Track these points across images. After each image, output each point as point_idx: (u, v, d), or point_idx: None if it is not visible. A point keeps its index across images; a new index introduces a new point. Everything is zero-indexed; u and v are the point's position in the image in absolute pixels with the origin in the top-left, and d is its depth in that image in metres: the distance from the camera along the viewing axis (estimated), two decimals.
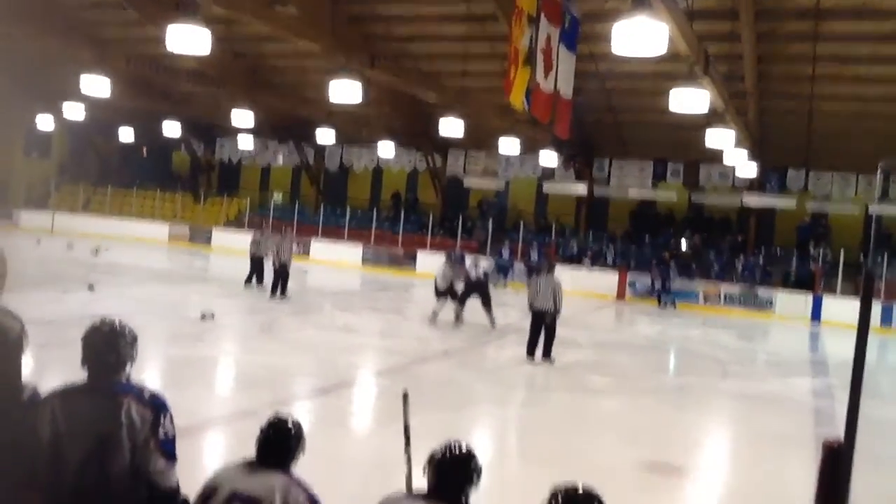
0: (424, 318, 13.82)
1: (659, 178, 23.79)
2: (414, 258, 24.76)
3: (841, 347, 13.62)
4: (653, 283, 21.51)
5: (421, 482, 2.62)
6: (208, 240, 28.00)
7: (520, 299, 17.55)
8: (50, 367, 6.26)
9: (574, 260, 23.05)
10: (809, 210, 22.68)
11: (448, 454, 2.58)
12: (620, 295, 21.90)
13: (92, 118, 25.07)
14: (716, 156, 19.03)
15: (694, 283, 21.70)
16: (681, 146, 21.39)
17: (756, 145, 19.66)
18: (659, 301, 21.07)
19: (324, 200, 28.56)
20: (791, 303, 20.47)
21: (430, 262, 22.03)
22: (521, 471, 6.29)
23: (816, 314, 19.97)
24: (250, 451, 2.73)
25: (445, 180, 26.96)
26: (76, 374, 2.69)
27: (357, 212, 27.26)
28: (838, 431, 2.78)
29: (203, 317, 11.66)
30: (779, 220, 23.68)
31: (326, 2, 16.36)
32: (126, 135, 29.23)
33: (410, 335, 12.86)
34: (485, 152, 25.37)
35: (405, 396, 3.23)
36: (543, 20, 11.30)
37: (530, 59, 11.36)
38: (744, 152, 18.54)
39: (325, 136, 23.83)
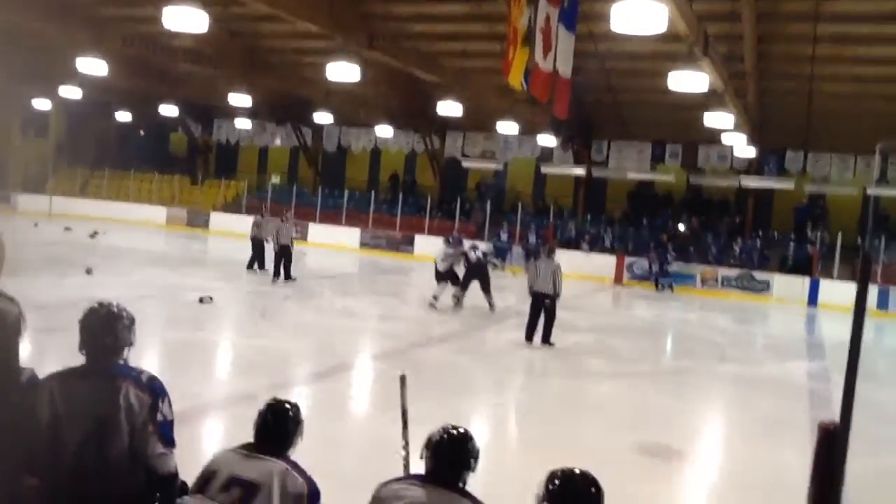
0: (423, 301, 13.84)
1: (657, 159, 23.75)
2: (412, 241, 24.75)
3: (838, 330, 13.65)
4: (650, 267, 21.53)
5: (419, 466, 2.63)
6: (206, 223, 27.95)
7: (518, 282, 17.55)
8: (48, 351, 6.27)
9: (572, 243, 23.04)
10: (807, 192, 22.67)
11: (445, 438, 2.58)
12: (618, 278, 21.92)
13: (89, 99, 24.92)
14: (714, 137, 18.98)
15: (691, 267, 21.72)
16: (680, 127, 21.31)
17: (755, 126, 19.60)
18: (656, 284, 21.10)
19: (322, 182, 28.48)
20: (788, 286, 20.52)
21: (429, 246, 22.04)
22: (519, 455, 6.33)
23: (813, 297, 20.02)
24: (249, 435, 2.74)
25: (444, 162, 26.88)
26: (75, 357, 2.69)
27: (355, 193, 27.20)
28: (835, 414, 2.79)
29: (201, 300, 11.67)
30: (777, 202, 23.67)
31: None
32: (123, 116, 29.10)
33: (409, 319, 12.88)
34: (483, 134, 25.28)
35: (402, 379, 3.24)
36: (542, 0, 11.21)
37: (529, 39, 11.28)
38: (742, 134, 18.50)
39: (323, 116, 23.73)
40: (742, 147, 20.17)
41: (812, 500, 2.70)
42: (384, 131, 24.90)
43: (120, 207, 28.39)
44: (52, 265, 14.77)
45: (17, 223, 22.43)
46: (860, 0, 15.35)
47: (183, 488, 2.65)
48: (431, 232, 24.00)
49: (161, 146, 32.92)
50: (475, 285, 13.61)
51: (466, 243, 14.35)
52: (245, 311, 12.43)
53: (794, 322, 17.65)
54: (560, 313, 10.92)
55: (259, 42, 22.53)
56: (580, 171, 24.57)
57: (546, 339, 10.62)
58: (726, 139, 18.82)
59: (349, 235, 25.51)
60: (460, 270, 13.82)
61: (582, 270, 21.29)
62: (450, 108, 17.89)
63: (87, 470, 2.50)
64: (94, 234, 21.07)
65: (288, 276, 15.31)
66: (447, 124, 24.83)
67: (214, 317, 11.20)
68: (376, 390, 8.11)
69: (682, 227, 23.60)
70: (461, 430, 2.63)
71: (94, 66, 16.53)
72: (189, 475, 2.67)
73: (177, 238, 25.03)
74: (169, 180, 30.53)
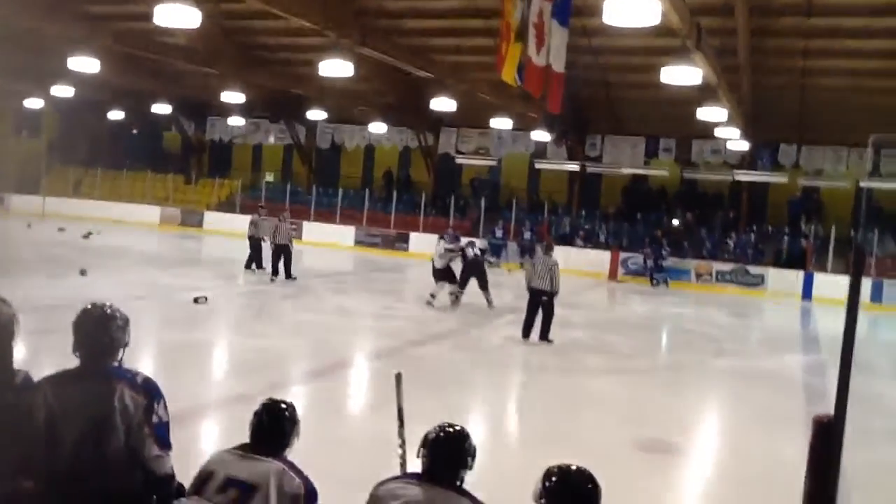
0: (419, 299, 13.83)
1: (651, 154, 23.75)
2: (407, 239, 24.74)
3: (832, 324, 13.70)
4: (645, 262, 21.56)
5: (416, 464, 2.63)
6: (200, 222, 27.87)
7: (513, 279, 17.58)
8: (43, 353, 6.24)
9: (567, 239, 23.06)
10: (801, 185, 22.72)
11: (442, 436, 2.58)
12: (613, 274, 21.94)
13: (81, 98, 24.81)
14: (708, 131, 19.00)
15: (686, 261, 21.76)
16: (673, 122, 21.33)
17: (748, 120, 19.63)
18: (651, 280, 21.13)
19: (316, 180, 28.43)
20: (783, 280, 20.56)
21: (424, 243, 22.02)
22: (517, 451, 6.33)
23: (808, 291, 20.07)
24: (246, 435, 2.73)
25: (438, 158, 26.85)
26: (69, 359, 2.67)
27: (349, 191, 27.16)
28: (830, 407, 2.79)
29: (196, 301, 11.62)
30: (771, 196, 23.72)
31: None
32: (116, 114, 28.98)
33: (406, 317, 12.87)
34: (477, 130, 25.25)
35: (398, 378, 3.23)
36: None
37: (522, 34, 11.27)
38: (736, 128, 18.54)
39: (317, 113, 23.65)
40: (735, 141, 20.22)
41: (808, 494, 2.70)
42: (378, 128, 24.85)
43: (113, 207, 28.26)
44: (45, 266, 14.71)
45: (10, 224, 22.34)
46: None
47: (180, 490, 2.64)
48: (426, 229, 23.99)
49: (154, 145, 32.77)
50: (472, 282, 13.61)
51: (463, 240, 14.35)
52: (240, 311, 12.40)
53: (789, 316, 17.71)
54: (556, 309, 10.92)
55: (252, 39, 22.47)
56: (574, 166, 24.58)
57: (544, 335, 10.63)
58: (720, 133, 18.85)
59: (344, 233, 25.47)
60: (456, 268, 13.82)
61: (577, 266, 21.30)
62: (443, 104, 17.86)
63: (82, 472, 2.49)
64: (87, 235, 20.99)
65: (289, 276, 15.29)
66: (441, 120, 24.79)
67: (209, 317, 11.17)
68: (373, 389, 8.10)
69: (676, 221, 23.64)
70: (458, 428, 2.62)
71: (85, 64, 16.45)
72: (186, 476, 2.66)
73: (171, 238, 24.96)
74: (162, 179, 30.42)
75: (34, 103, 27.44)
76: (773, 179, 22.66)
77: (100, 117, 29.92)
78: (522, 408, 8.21)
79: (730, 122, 17.56)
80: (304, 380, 8.22)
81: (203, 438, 5.91)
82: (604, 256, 22.20)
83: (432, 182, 26.97)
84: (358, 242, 25.44)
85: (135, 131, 32.05)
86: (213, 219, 27.53)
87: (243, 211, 26.55)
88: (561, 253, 11.33)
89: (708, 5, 14.58)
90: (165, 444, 2.57)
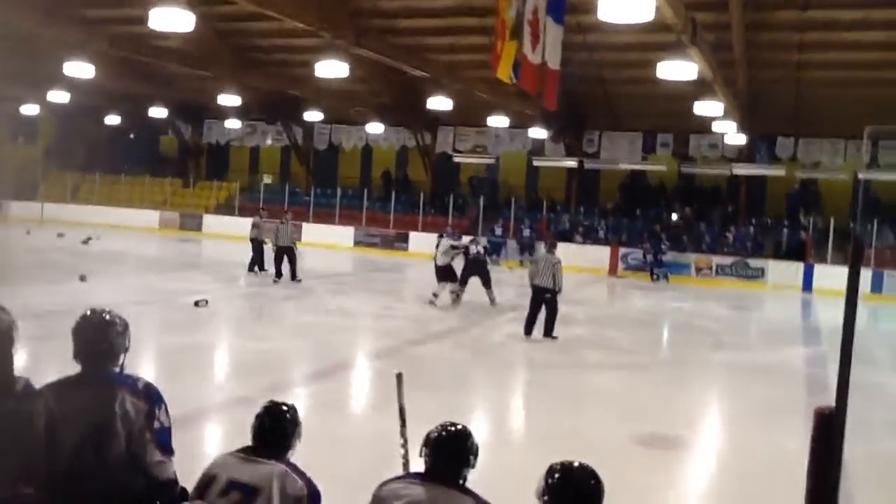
0: (419, 298, 13.83)
1: (649, 150, 23.76)
2: (406, 238, 24.75)
3: (832, 315, 13.70)
4: (645, 257, 21.56)
5: (419, 464, 2.63)
6: (199, 226, 27.87)
7: (514, 277, 17.58)
8: (44, 360, 6.23)
9: (566, 235, 23.07)
10: (799, 178, 22.73)
11: (444, 435, 2.58)
12: (613, 270, 21.94)
13: (78, 102, 24.78)
14: (705, 126, 19.01)
15: (686, 256, 21.77)
16: (670, 117, 21.33)
17: (745, 114, 19.63)
18: (651, 275, 21.14)
19: (314, 181, 28.42)
20: (782, 272, 20.58)
21: (423, 242, 22.02)
22: (520, 448, 6.34)
23: (808, 283, 20.09)
24: (248, 438, 2.73)
25: (435, 157, 26.84)
26: (71, 365, 2.67)
27: (348, 192, 27.16)
28: (832, 399, 2.80)
29: (197, 304, 11.63)
30: (769, 189, 23.74)
31: None
32: (112, 119, 28.95)
33: (406, 316, 12.87)
34: (474, 128, 25.24)
35: (399, 377, 3.23)
36: None
37: (517, 32, 11.27)
38: (732, 122, 18.55)
39: (314, 115, 23.65)
40: (733, 135, 20.22)
41: (810, 486, 2.71)
42: (375, 128, 24.85)
43: (112, 212, 28.25)
44: (45, 272, 14.71)
45: (9, 231, 22.33)
46: None
47: (183, 494, 2.64)
48: (425, 228, 24.00)
49: (151, 149, 32.77)
50: (473, 281, 13.62)
51: (465, 238, 14.36)
52: (241, 314, 12.40)
53: (790, 308, 17.72)
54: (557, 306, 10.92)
55: (247, 41, 22.46)
56: (572, 163, 24.57)
57: (548, 332, 10.65)
58: (717, 127, 18.86)
59: (343, 234, 25.47)
60: (457, 266, 13.81)
61: (576, 262, 21.29)
62: (440, 103, 17.86)
63: (83, 479, 2.49)
64: (87, 240, 20.98)
65: (294, 277, 15.28)
66: (438, 120, 24.78)
67: (210, 320, 11.17)
68: (375, 389, 8.10)
69: (675, 216, 23.64)
70: (459, 427, 2.62)
71: (81, 69, 16.45)
72: (190, 480, 2.67)
73: (170, 242, 24.96)
74: (160, 183, 30.40)
75: (30, 109, 27.40)
76: (770, 172, 22.66)
77: (96, 122, 29.90)
78: (524, 405, 8.22)
79: (726, 117, 17.57)
80: (306, 381, 8.23)
81: (206, 441, 5.92)
82: (603, 252, 22.20)
83: (430, 181, 26.97)
84: (357, 243, 25.44)
85: (132, 136, 32.04)
86: (212, 222, 27.53)
87: (242, 213, 26.56)
88: (560, 250, 11.34)
89: (702, 0, 14.58)
90: (167, 450, 2.56)
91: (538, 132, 22.39)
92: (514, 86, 12.58)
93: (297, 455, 2.75)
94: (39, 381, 2.73)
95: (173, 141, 32.07)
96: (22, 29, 16.42)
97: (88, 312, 2.68)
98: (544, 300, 10.63)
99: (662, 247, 21.31)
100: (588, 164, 24.54)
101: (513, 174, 26.95)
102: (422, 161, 26.99)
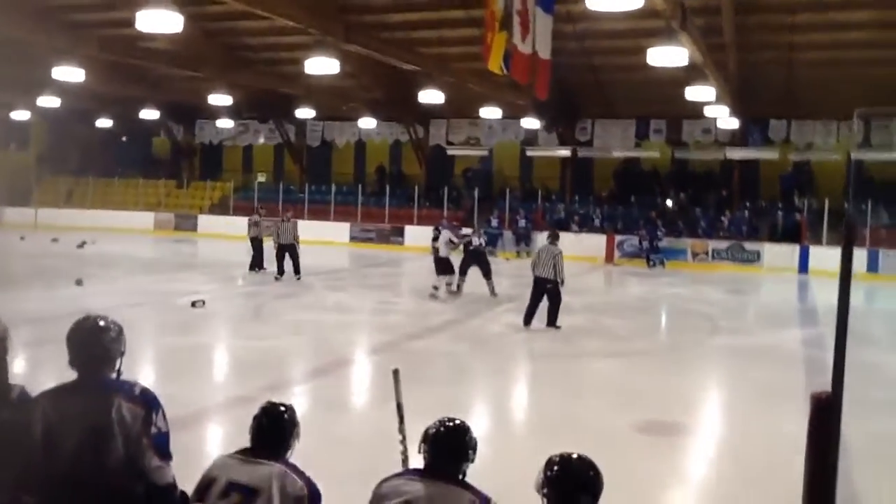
0: (416, 292, 13.84)
1: (642, 136, 23.76)
2: (402, 233, 24.73)
3: (829, 296, 13.67)
4: (641, 244, 21.59)
5: (418, 459, 2.63)
6: (194, 226, 27.83)
7: (511, 267, 17.62)
8: (42, 365, 6.22)
9: (561, 224, 23.07)
10: (792, 160, 22.75)
11: (442, 430, 2.59)
12: (609, 257, 21.97)
13: (69, 107, 24.68)
14: (697, 111, 19.00)
15: (682, 241, 21.80)
16: (662, 103, 21.30)
17: (737, 98, 19.63)
18: (648, 261, 21.17)
19: (308, 178, 28.37)
20: (778, 255, 20.63)
21: (419, 237, 22.00)
22: (520, 440, 6.35)
23: (804, 264, 20.14)
24: (248, 438, 2.73)
25: (429, 150, 26.80)
26: (69, 371, 2.66)
27: (342, 188, 27.12)
28: (830, 381, 2.80)
29: (194, 305, 11.61)
30: (763, 173, 23.76)
31: None
32: (104, 122, 28.85)
33: (404, 310, 12.88)
34: (467, 120, 25.20)
35: (395, 374, 3.23)
36: None
37: (506, 23, 11.26)
38: (725, 106, 18.54)
39: (306, 112, 23.57)
40: (725, 119, 20.22)
41: (809, 470, 2.72)
42: (367, 123, 24.80)
43: (106, 215, 28.18)
44: (41, 278, 14.68)
45: (3, 237, 22.26)
46: None
47: (183, 498, 2.64)
48: (421, 222, 23.98)
49: (144, 151, 32.68)
50: (470, 273, 13.63)
51: (466, 230, 14.40)
52: (238, 313, 12.38)
53: (787, 290, 17.75)
54: None
55: (236, 40, 22.36)
56: (565, 152, 24.56)
57: (552, 322, 10.67)
58: (709, 112, 18.86)
59: (338, 230, 25.42)
60: (455, 259, 13.82)
61: (573, 251, 21.27)
62: (432, 96, 17.81)
63: (82, 486, 2.49)
64: (82, 244, 20.93)
65: (297, 274, 15.27)
66: (430, 113, 24.72)
67: (208, 320, 11.16)
68: (374, 385, 8.11)
69: (669, 202, 23.65)
70: (458, 422, 2.63)
71: (71, 73, 16.38)
72: (192, 480, 2.67)
73: (166, 243, 24.91)
74: (154, 185, 30.34)
75: (21, 115, 27.29)
76: (764, 156, 22.69)
77: (88, 126, 29.80)
78: (524, 395, 8.24)
79: (718, 101, 17.56)
80: (305, 379, 8.23)
81: (206, 442, 5.92)
82: (599, 240, 22.22)
83: (425, 174, 26.94)
84: (353, 238, 25.42)
85: (124, 138, 31.95)
86: (207, 222, 27.47)
87: (237, 213, 26.51)
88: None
89: None
90: (165, 455, 2.56)
91: (531, 122, 22.36)
92: (506, 77, 12.58)
93: (297, 453, 2.75)
94: (38, 387, 2.73)
95: (166, 142, 31.98)
96: (10, 35, 16.32)
97: (82, 319, 2.68)
98: (546, 290, 10.66)
99: (658, 233, 21.33)
100: (581, 153, 24.54)
101: (507, 165, 26.92)
102: (415, 155, 26.96)
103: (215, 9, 18.04)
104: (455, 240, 13.79)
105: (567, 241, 21.46)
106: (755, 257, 21.01)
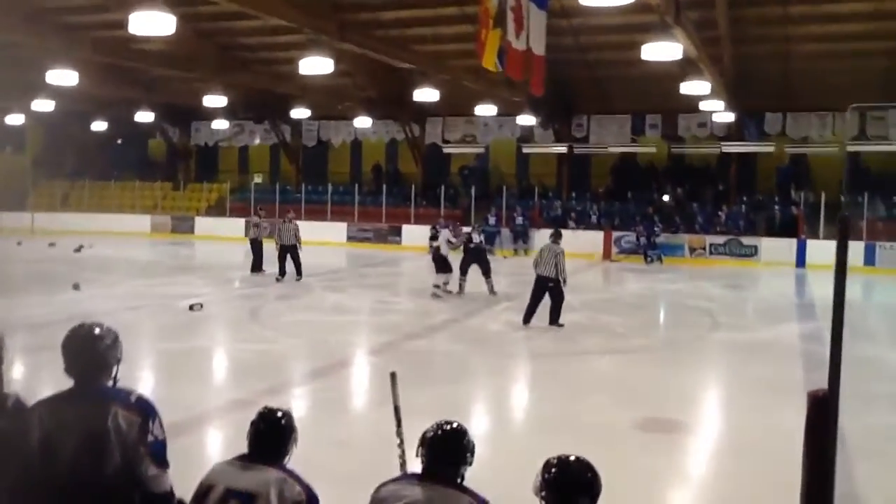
0: (415, 291, 13.84)
1: (638, 131, 23.74)
2: (399, 232, 24.72)
3: (827, 290, 13.66)
4: (638, 240, 21.59)
5: (416, 463, 2.63)
6: (191, 228, 27.77)
7: (509, 265, 17.61)
8: (40, 371, 6.21)
9: (559, 221, 23.06)
10: (788, 153, 22.75)
11: (440, 434, 2.58)
12: (606, 254, 21.97)
13: (63, 110, 24.61)
14: (693, 105, 19.00)
15: (679, 237, 21.80)
16: (658, 98, 21.27)
17: (732, 91, 19.62)
18: (645, 257, 21.17)
19: (304, 178, 28.34)
20: (776, 249, 20.64)
21: (416, 235, 21.98)
22: (520, 439, 6.34)
23: (801, 259, 20.14)
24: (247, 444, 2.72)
25: (425, 149, 26.77)
26: (67, 377, 2.65)
27: (339, 187, 27.09)
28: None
29: (191, 307, 11.59)
30: (759, 166, 23.77)
31: None
32: (99, 125, 28.77)
33: (403, 310, 12.87)
34: (462, 118, 25.17)
35: (393, 376, 3.23)
36: None
37: (500, 20, 11.23)
38: (720, 100, 18.54)
39: (301, 112, 23.51)
40: (721, 113, 20.23)
41: (807, 467, 2.72)
42: (363, 122, 24.76)
43: (103, 219, 28.09)
44: (38, 283, 14.65)
45: (0, 242, 22.20)
46: None
47: None
48: (418, 221, 23.96)
49: (140, 153, 32.62)
50: (472, 271, 13.63)
51: (464, 228, 14.39)
52: (236, 315, 12.36)
53: (784, 284, 17.75)
54: None
55: (230, 40, 22.30)
56: (562, 148, 24.55)
57: (554, 320, 10.66)
58: (704, 106, 18.86)
59: (335, 230, 25.39)
60: (454, 258, 13.82)
61: (570, 248, 21.20)
62: (426, 94, 17.79)
63: (79, 494, 2.48)
64: (79, 249, 20.88)
65: (298, 274, 15.26)
66: (426, 111, 24.69)
67: (206, 323, 11.14)
68: (373, 386, 8.08)
69: (666, 198, 23.65)
70: (455, 426, 2.62)
71: (65, 76, 16.34)
72: (192, 485, 2.65)
73: (163, 246, 24.86)
74: (150, 187, 30.29)
75: (16, 119, 27.19)
76: (760, 149, 22.69)
77: (83, 129, 29.72)
78: (524, 393, 8.23)
79: (714, 95, 17.56)
80: (304, 381, 8.21)
81: (205, 446, 5.90)
82: (597, 237, 22.22)
83: (421, 173, 26.92)
84: (350, 238, 25.39)
85: (119, 141, 31.87)
86: (204, 224, 27.42)
87: (233, 214, 26.47)
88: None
89: None
90: (162, 463, 2.55)
91: (527, 119, 22.35)
92: (501, 74, 12.56)
93: (296, 456, 2.74)
94: (37, 392, 2.72)
95: (161, 144, 31.92)
96: (3, 38, 16.28)
97: (76, 326, 2.67)
98: (547, 289, 10.65)
99: (655, 229, 21.34)
100: (578, 149, 24.52)
101: (503, 162, 26.90)
102: (411, 153, 26.93)
103: (208, 9, 17.99)
104: (454, 240, 13.79)
105: (564, 238, 21.38)
106: (752, 252, 21.02)
